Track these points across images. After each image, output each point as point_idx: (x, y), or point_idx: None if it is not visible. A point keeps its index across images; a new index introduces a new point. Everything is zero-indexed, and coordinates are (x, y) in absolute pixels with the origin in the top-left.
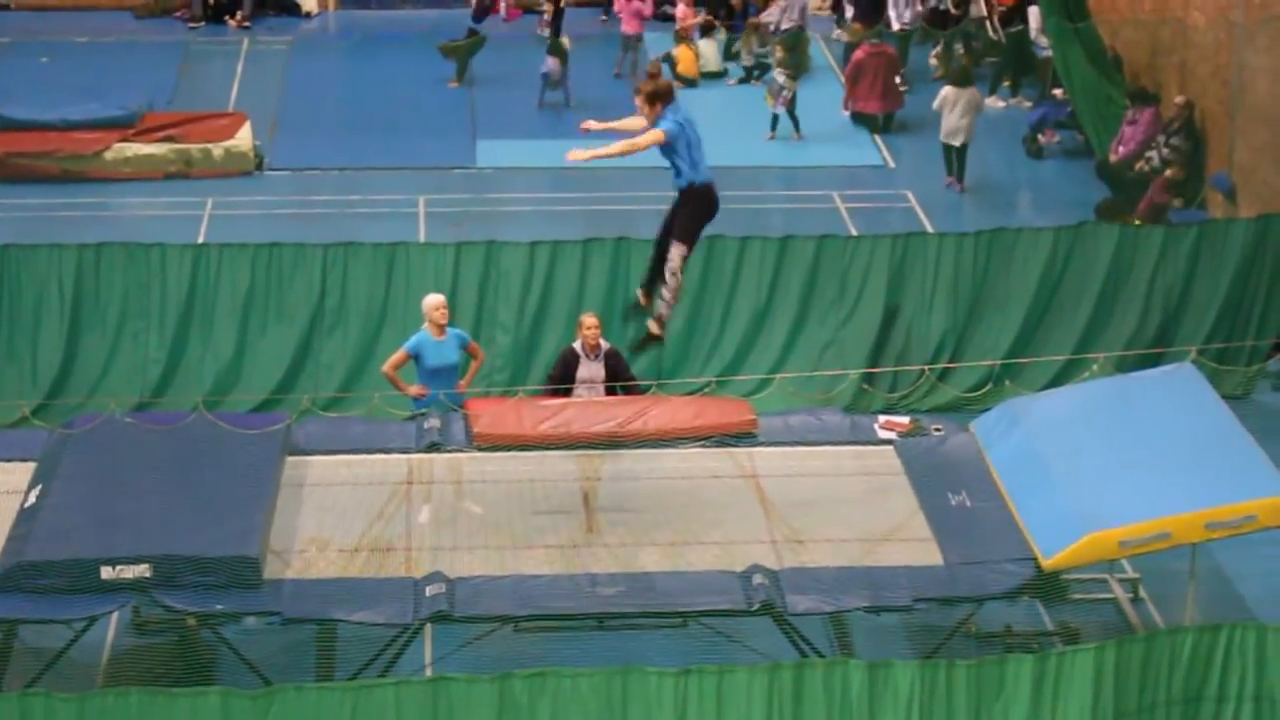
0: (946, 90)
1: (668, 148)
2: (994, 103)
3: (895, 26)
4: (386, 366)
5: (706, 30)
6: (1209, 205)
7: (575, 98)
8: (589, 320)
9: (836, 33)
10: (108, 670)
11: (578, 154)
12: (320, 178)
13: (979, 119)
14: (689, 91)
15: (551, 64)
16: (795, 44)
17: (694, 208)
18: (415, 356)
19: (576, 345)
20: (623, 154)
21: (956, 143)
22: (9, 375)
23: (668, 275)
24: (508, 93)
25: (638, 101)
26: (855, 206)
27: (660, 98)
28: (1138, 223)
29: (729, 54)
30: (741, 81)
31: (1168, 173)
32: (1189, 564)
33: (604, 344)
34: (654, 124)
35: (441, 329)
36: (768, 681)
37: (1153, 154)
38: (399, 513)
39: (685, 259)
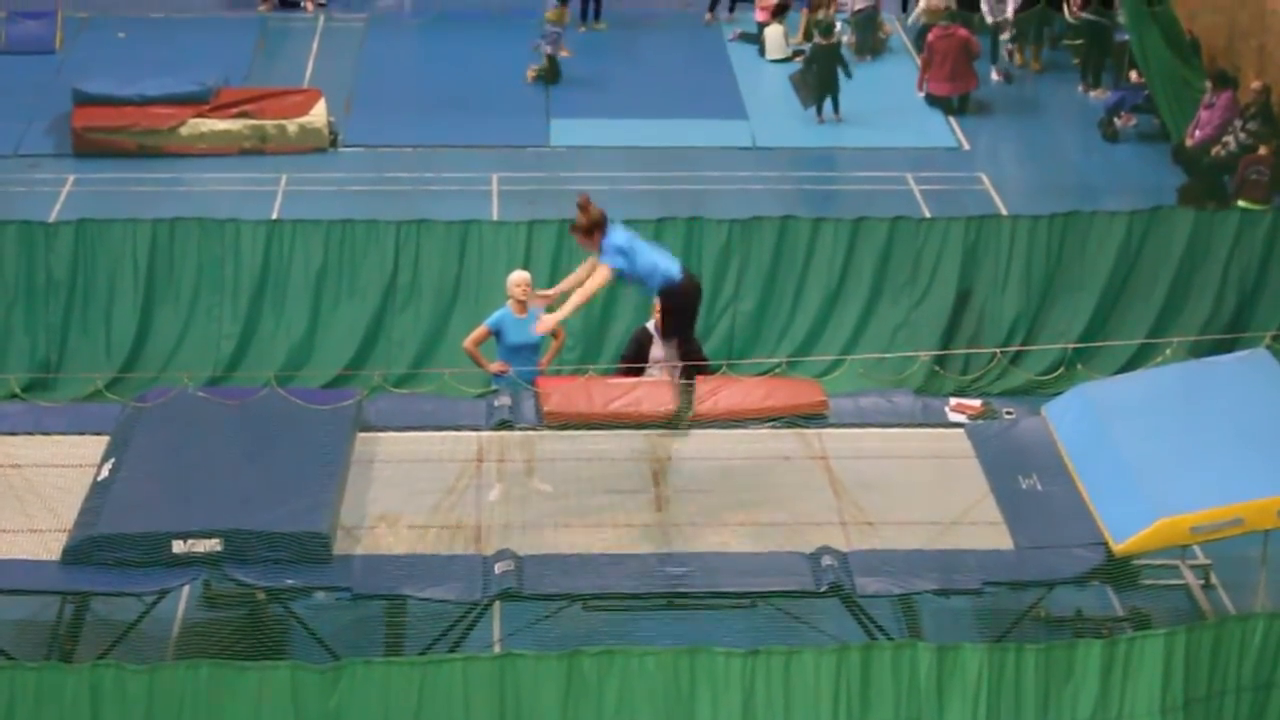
0: None
1: (622, 276)
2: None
3: (990, 20)
4: (468, 342)
5: (778, 14)
6: None
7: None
8: None
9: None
10: (178, 644)
11: (546, 324)
12: (394, 155)
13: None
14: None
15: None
16: (867, 25)
17: (677, 304)
18: (496, 333)
19: (650, 325)
20: (582, 304)
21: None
22: (83, 349)
23: (661, 373)
24: (581, 71)
25: (578, 239)
26: (929, 188)
27: (598, 227)
28: (1242, 204)
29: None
30: None
31: (1261, 150)
32: (1261, 550)
33: None
34: (600, 257)
35: (523, 306)
36: (835, 663)
37: (1229, 138)
38: (469, 490)
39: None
